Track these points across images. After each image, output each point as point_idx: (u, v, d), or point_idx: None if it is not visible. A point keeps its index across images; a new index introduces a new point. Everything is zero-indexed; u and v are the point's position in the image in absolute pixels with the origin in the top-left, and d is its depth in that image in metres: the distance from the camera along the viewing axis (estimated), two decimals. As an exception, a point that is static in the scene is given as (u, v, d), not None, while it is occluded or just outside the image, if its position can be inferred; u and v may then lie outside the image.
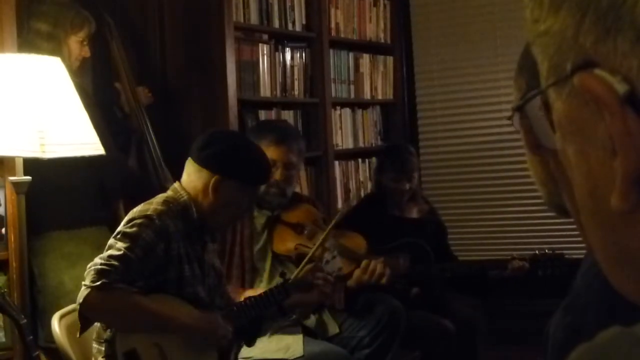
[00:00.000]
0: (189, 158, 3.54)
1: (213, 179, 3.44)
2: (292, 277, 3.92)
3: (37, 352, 3.26)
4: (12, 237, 3.84)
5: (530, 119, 0.76)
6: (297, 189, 5.10)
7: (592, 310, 0.99)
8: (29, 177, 3.55)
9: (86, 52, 4.50)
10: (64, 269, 4.21)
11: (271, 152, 4.22)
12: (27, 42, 4.25)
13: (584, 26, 0.64)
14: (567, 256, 5.12)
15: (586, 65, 0.64)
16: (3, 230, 3.89)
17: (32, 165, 3.61)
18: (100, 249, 3.37)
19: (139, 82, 4.83)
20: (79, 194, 4.33)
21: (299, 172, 4.89)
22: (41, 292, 4.22)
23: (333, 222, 4.31)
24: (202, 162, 3.48)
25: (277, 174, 4.34)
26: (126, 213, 3.53)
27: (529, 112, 0.76)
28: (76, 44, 4.43)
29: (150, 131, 4.70)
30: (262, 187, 4.13)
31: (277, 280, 4.12)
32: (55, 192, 4.22)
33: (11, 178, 3.60)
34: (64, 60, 4.10)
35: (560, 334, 0.93)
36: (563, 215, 0.92)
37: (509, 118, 0.95)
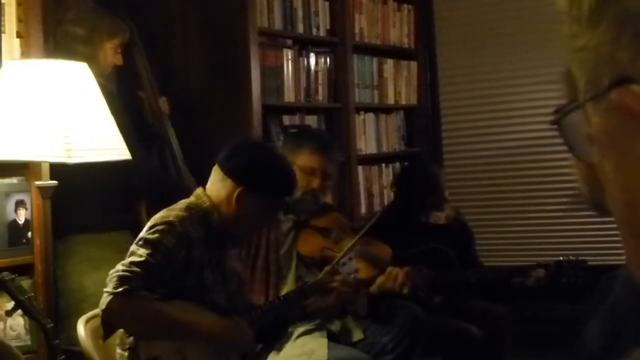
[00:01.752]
0: (216, 165, 3.54)
1: (237, 190, 3.42)
2: (314, 279, 3.95)
3: (63, 356, 3.28)
4: (37, 241, 3.86)
5: (566, 131, 0.76)
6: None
7: (633, 317, 0.98)
8: (54, 182, 3.57)
9: (119, 59, 4.54)
10: (85, 272, 4.22)
11: (312, 160, 4.23)
12: (63, 45, 4.30)
13: (621, 42, 0.64)
14: (590, 263, 5.09)
15: (623, 81, 0.65)
16: (29, 234, 3.91)
17: (56, 169, 3.63)
18: (122, 253, 3.37)
19: (163, 88, 4.85)
20: (102, 198, 4.35)
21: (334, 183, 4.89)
22: (62, 295, 4.23)
23: (363, 230, 4.31)
24: (227, 172, 3.46)
25: (314, 183, 4.33)
26: (148, 217, 3.53)
27: (565, 124, 0.76)
28: (111, 50, 4.47)
29: (174, 137, 4.71)
30: (296, 195, 4.13)
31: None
32: (79, 196, 4.23)
33: (37, 182, 3.62)
34: (98, 65, 4.16)
35: (599, 341, 0.93)
36: (602, 213, 0.92)
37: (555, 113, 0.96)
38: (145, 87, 4.80)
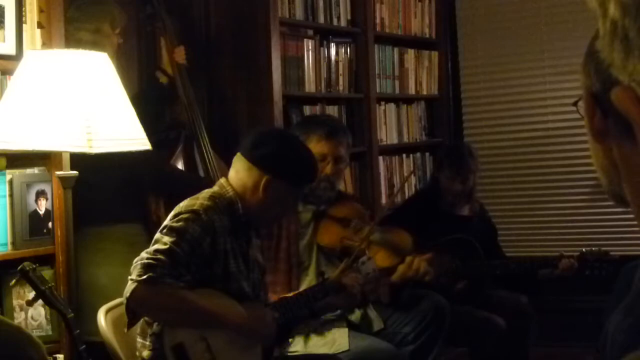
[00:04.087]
0: (238, 154, 3.55)
1: (264, 179, 3.45)
2: (332, 275, 3.96)
3: (84, 346, 3.29)
4: (58, 231, 3.87)
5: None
6: (342, 185, 5.09)
7: None
8: (75, 172, 3.57)
9: (120, 40, 4.53)
10: (98, 265, 4.23)
11: (322, 146, 4.24)
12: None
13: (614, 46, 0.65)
14: (613, 253, 5.06)
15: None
16: (50, 224, 3.92)
17: (71, 163, 3.64)
18: (133, 246, 3.40)
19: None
20: (115, 192, 4.35)
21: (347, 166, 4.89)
22: (80, 287, 4.24)
23: (379, 216, 4.30)
24: (253, 161, 3.48)
25: (327, 168, 4.35)
26: (167, 211, 3.54)
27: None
28: (115, 36, 4.47)
29: (202, 126, 4.67)
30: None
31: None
32: (93, 190, 4.24)
33: (58, 173, 3.62)
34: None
35: (621, 336, 0.92)
36: (620, 204, 0.92)
37: (575, 104, 0.96)
38: (165, 38, 4.77)
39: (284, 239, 4.31)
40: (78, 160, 3.53)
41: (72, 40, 4.29)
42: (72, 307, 3.39)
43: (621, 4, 0.75)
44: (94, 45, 4.24)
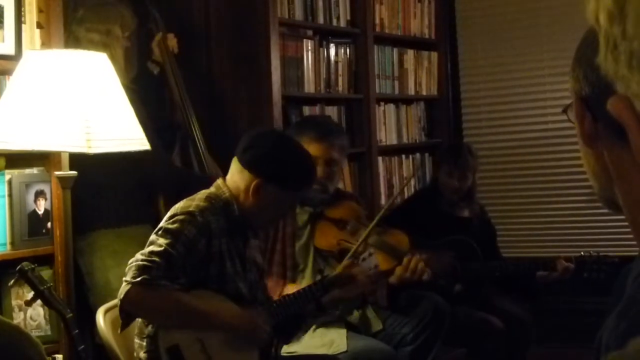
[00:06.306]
0: (235, 157, 3.54)
1: (254, 182, 3.43)
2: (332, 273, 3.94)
3: (83, 346, 3.28)
4: (57, 232, 3.87)
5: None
6: (341, 185, 5.09)
7: None
8: (74, 172, 3.57)
9: (127, 43, 4.56)
10: (110, 267, 4.23)
11: (312, 148, 4.20)
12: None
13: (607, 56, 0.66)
14: (611, 255, 5.06)
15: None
16: (48, 224, 3.92)
17: (76, 165, 3.64)
18: (144, 247, 3.38)
19: (184, 79, 4.81)
20: (123, 193, 4.36)
21: (342, 168, 4.86)
22: (90, 290, 4.25)
23: (377, 218, 4.30)
24: (244, 164, 3.47)
25: (319, 171, 4.34)
26: (166, 209, 3.53)
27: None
28: (124, 39, 4.48)
29: (196, 126, 4.69)
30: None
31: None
32: (99, 191, 4.25)
33: (57, 173, 3.62)
34: (118, 62, 4.14)
35: (614, 341, 0.93)
36: (613, 209, 0.92)
37: (564, 111, 0.97)
38: (156, 28, 4.80)
39: (279, 241, 4.31)
40: (86, 162, 3.54)
41: (83, 41, 4.30)
42: (71, 307, 3.39)
43: (608, 11, 0.76)
44: (105, 47, 4.26)
